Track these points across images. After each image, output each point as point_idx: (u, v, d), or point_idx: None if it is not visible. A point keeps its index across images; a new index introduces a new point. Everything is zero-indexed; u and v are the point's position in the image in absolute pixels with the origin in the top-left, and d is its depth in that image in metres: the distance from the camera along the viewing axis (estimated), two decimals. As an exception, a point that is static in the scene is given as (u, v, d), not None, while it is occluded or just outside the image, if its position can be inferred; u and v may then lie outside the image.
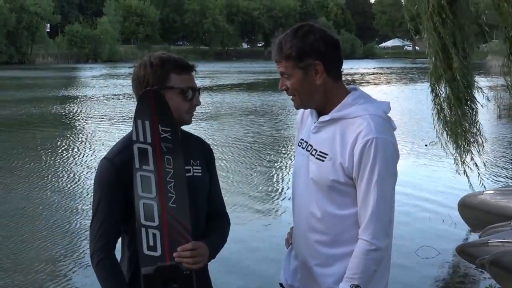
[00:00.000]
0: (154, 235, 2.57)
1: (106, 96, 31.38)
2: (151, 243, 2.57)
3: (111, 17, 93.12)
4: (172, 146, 2.59)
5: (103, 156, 2.75)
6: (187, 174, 2.67)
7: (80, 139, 17.53)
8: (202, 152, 2.89)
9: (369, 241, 2.59)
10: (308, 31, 2.68)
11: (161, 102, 2.58)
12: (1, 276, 7.07)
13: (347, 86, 2.79)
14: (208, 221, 2.85)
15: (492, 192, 7.80)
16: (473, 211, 7.60)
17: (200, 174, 2.81)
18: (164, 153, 2.58)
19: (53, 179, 12.10)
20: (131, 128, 2.60)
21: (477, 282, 7.01)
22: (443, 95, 7.91)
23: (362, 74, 53.65)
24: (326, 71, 2.67)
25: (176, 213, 2.58)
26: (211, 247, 2.71)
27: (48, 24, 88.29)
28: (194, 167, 2.79)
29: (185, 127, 2.84)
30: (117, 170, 2.64)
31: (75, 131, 19.41)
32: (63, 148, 16.06)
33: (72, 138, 17.74)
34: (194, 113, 2.78)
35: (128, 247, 2.73)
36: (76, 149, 15.78)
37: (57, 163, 13.89)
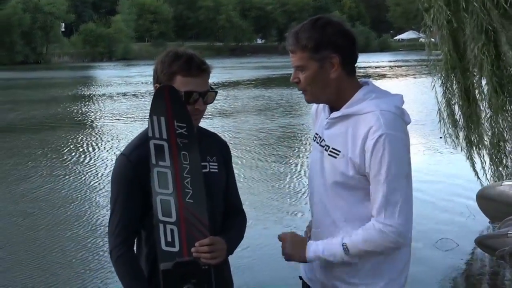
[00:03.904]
0: (172, 230, 2.57)
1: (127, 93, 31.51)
2: (169, 239, 2.57)
3: (125, 15, 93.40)
4: (188, 141, 2.59)
5: (120, 153, 2.76)
6: (203, 170, 2.67)
7: (105, 137, 17.59)
8: (218, 148, 2.89)
9: (382, 222, 2.55)
10: (326, 23, 2.63)
11: (176, 98, 2.58)
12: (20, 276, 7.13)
13: (359, 80, 2.75)
14: (224, 218, 2.85)
15: (511, 183, 7.74)
16: (492, 203, 7.55)
17: (217, 170, 2.80)
18: (180, 148, 2.58)
19: (76, 177, 12.18)
20: (141, 125, 2.60)
21: (497, 273, 6.97)
22: (454, 87, 7.88)
23: (378, 67, 53.46)
24: (341, 65, 2.63)
25: (193, 208, 2.58)
26: (228, 243, 2.70)
27: (63, 24, 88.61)
28: (210, 163, 2.78)
29: (201, 123, 2.83)
30: (134, 166, 2.64)
31: (99, 129, 19.46)
32: (88, 146, 16.15)
33: (95, 137, 17.83)
34: (211, 110, 2.74)
35: (146, 243, 2.73)
36: (101, 147, 15.87)
37: (80, 162, 13.94)
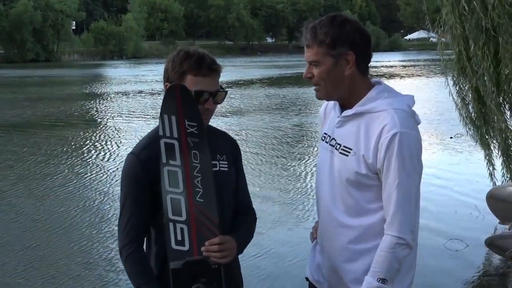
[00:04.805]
0: (182, 229, 2.58)
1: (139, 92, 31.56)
2: (179, 238, 2.58)
3: (136, 14, 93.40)
4: (198, 140, 2.59)
5: (129, 152, 2.77)
6: (213, 169, 2.67)
7: (125, 135, 17.63)
8: (228, 147, 2.89)
9: (395, 236, 2.57)
10: (344, 20, 2.66)
11: (187, 97, 2.58)
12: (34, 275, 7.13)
13: (371, 79, 2.77)
14: (234, 216, 2.85)
15: (521, 184, 7.70)
16: (502, 203, 7.52)
17: (227, 169, 2.80)
18: (191, 147, 2.59)
19: (98, 175, 12.17)
20: (157, 123, 2.61)
21: (507, 274, 6.95)
22: (466, 87, 7.85)
23: (391, 66, 53.37)
24: (356, 63, 2.65)
25: (204, 207, 2.59)
26: (238, 242, 2.71)
27: (74, 22, 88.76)
28: (220, 162, 2.79)
29: (211, 122, 2.83)
30: (143, 165, 2.65)
31: (118, 127, 19.41)
32: (99, 145, 16.15)
33: (114, 134, 17.87)
34: (221, 109, 2.74)
35: (155, 242, 2.74)
36: (113, 146, 15.88)
37: (101, 160, 13.94)
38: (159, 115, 2.62)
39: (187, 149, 2.59)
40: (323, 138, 2.86)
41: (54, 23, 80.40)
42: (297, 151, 14.60)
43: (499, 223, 7.92)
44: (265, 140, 16.06)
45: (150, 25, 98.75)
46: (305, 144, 15.76)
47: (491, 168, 8.09)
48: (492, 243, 6.63)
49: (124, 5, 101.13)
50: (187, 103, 2.57)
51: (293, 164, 12.90)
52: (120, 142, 16.39)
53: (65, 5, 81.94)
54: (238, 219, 2.86)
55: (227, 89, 2.78)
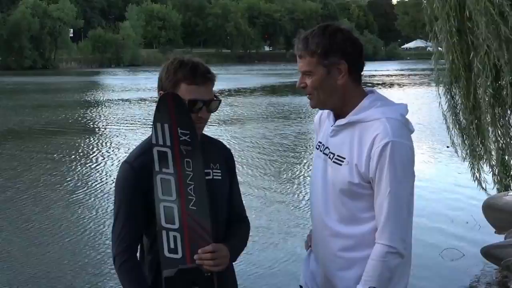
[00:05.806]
0: (174, 237, 2.58)
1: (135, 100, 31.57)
2: (172, 246, 2.57)
3: (134, 22, 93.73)
4: (191, 148, 2.59)
5: (123, 160, 2.76)
6: (206, 177, 2.67)
7: (135, 143, 17.47)
8: (222, 156, 2.88)
9: (386, 245, 2.57)
10: (336, 30, 2.67)
11: (180, 105, 2.58)
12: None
13: (364, 88, 2.77)
14: (228, 225, 2.84)
15: (517, 193, 7.70)
16: (498, 213, 7.51)
17: (220, 178, 2.80)
18: (184, 156, 2.59)
19: (111, 183, 12.05)
20: (151, 132, 2.61)
21: (502, 284, 6.94)
22: (457, 97, 7.86)
23: (392, 75, 53.52)
24: (348, 72, 2.65)
25: (196, 215, 2.58)
26: (231, 250, 2.70)
27: (71, 29, 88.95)
28: (214, 171, 2.78)
29: (206, 131, 2.83)
30: (137, 173, 2.65)
31: (126, 134, 19.38)
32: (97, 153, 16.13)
33: (124, 142, 17.81)
34: (217, 117, 2.74)
35: (149, 251, 2.73)
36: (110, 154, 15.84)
37: (113, 168, 13.75)
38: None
39: (180, 157, 2.58)
40: (317, 147, 2.86)
41: (51, 31, 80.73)
42: (305, 159, 14.57)
43: (495, 232, 7.92)
44: (271, 148, 16.02)
45: (147, 33, 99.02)
46: (312, 152, 15.72)
47: (480, 178, 8.11)
48: (488, 253, 6.62)
49: (122, 13, 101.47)
50: (180, 111, 2.57)
51: (302, 172, 12.87)
52: (128, 149, 16.25)
53: (63, 13, 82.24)
54: (232, 227, 2.85)
55: (223, 97, 2.79)
